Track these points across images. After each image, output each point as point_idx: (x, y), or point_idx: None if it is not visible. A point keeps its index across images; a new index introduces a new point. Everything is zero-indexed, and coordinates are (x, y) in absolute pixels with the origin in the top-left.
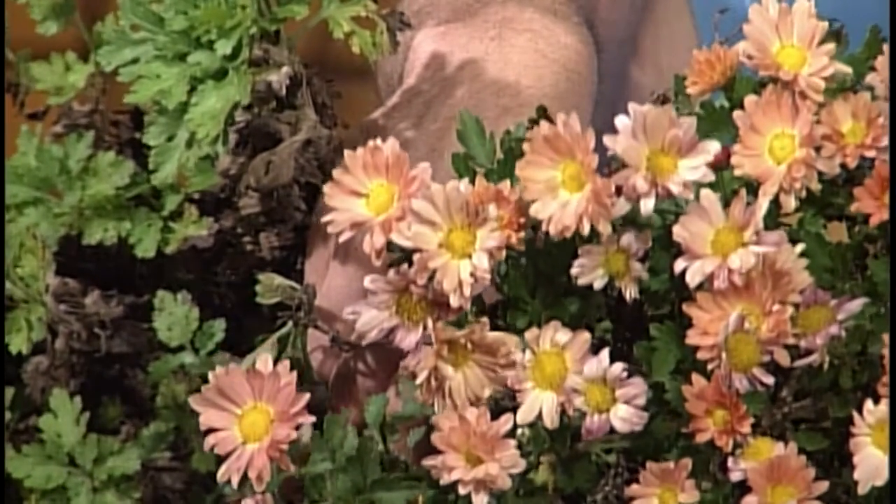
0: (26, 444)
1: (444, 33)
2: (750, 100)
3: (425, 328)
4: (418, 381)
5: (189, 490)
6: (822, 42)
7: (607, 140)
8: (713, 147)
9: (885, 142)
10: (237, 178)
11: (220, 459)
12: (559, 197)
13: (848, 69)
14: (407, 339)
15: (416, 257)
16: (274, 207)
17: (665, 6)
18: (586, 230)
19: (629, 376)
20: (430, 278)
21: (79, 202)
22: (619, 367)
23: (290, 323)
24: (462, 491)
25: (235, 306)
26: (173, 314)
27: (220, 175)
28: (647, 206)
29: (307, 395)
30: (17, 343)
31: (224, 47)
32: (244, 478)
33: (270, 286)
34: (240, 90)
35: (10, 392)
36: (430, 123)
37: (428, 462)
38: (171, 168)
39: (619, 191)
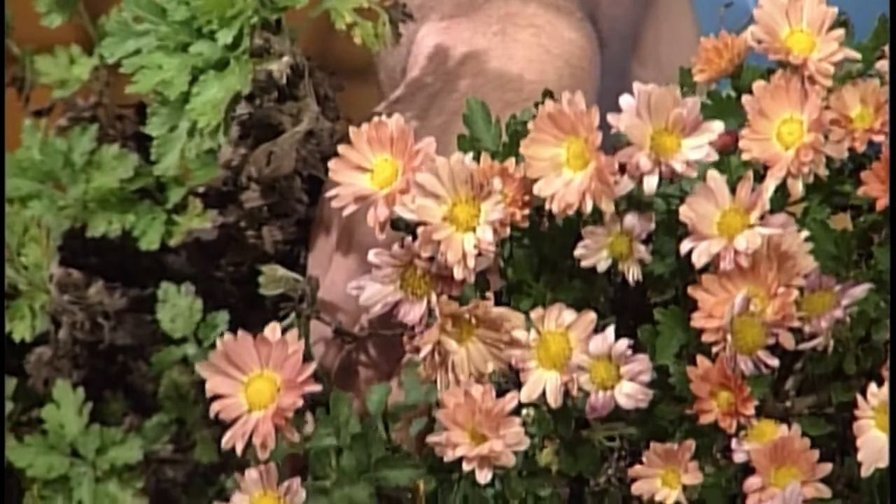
0: (29, 435)
1: (447, 28)
2: (759, 84)
3: (429, 302)
4: (421, 355)
5: (191, 482)
6: (831, 28)
7: (611, 118)
8: (717, 127)
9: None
10: (239, 170)
11: (225, 427)
12: (563, 174)
13: (857, 54)
14: (411, 313)
15: (420, 230)
16: (277, 201)
17: (666, 3)
18: (589, 208)
19: (634, 353)
20: (435, 252)
21: (83, 195)
22: (624, 343)
23: (293, 315)
24: (466, 467)
25: (238, 300)
26: (177, 306)
27: (222, 166)
28: (651, 184)
29: (313, 363)
30: (21, 330)
31: (225, 37)
32: (248, 445)
33: (273, 278)
34: (241, 80)
35: (13, 383)
36: (434, 117)
37: (432, 439)
38: (174, 158)
39: (622, 169)
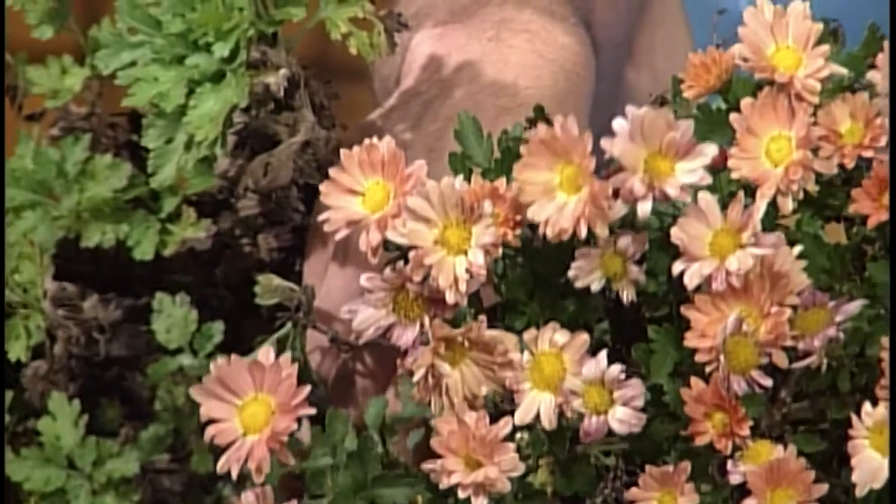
0: (25, 448)
1: (441, 34)
2: (746, 102)
3: (422, 326)
4: (415, 379)
5: (188, 492)
6: (817, 43)
7: (604, 143)
8: (710, 150)
9: (884, 142)
10: (236, 180)
11: (220, 453)
12: (556, 199)
13: (843, 71)
14: (404, 336)
15: (411, 254)
16: (272, 209)
17: (660, 10)
18: (583, 233)
19: (627, 378)
20: (427, 275)
21: (76, 205)
22: (617, 368)
23: (289, 324)
24: (462, 494)
25: (234, 308)
26: (172, 316)
27: (219, 177)
28: (645, 209)
29: (308, 387)
30: (16, 351)
31: (221, 50)
32: (243, 469)
33: (269, 287)
34: (238, 92)
35: (9, 396)
36: (428, 124)
37: (427, 466)
38: (170, 170)
39: (616, 193)
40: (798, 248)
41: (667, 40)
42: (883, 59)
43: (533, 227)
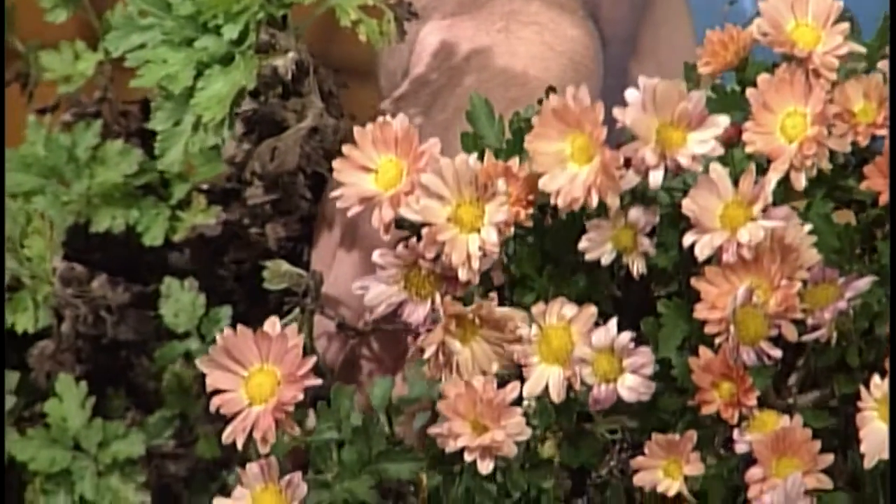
0: (31, 429)
1: (450, 25)
2: (763, 78)
3: (433, 303)
4: (426, 356)
5: (193, 477)
6: (836, 22)
7: (617, 112)
8: (723, 121)
9: None
10: (243, 166)
11: (227, 421)
12: (568, 169)
13: (862, 49)
14: (415, 313)
15: (424, 231)
16: (280, 197)
17: (664, 7)
18: (594, 202)
19: (636, 346)
20: (439, 253)
21: (87, 190)
22: (626, 336)
23: (297, 310)
24: (468, 458)
25: (241, 295)
26: (180, 301)
27: (226, 162)
28: (656, 178)
29: (314, 358)
30: (23, 322)
31: (231, 32)
32: (249, 440)
33: (278, 272)
34: (246, 75)
35: (15, 377)
36: (437, 114)
37: (434, 430)
38: (177, 153)
39: (627, 163)
40: (808, 227)
41: (671, 37)
42: None
43: (542, 207)
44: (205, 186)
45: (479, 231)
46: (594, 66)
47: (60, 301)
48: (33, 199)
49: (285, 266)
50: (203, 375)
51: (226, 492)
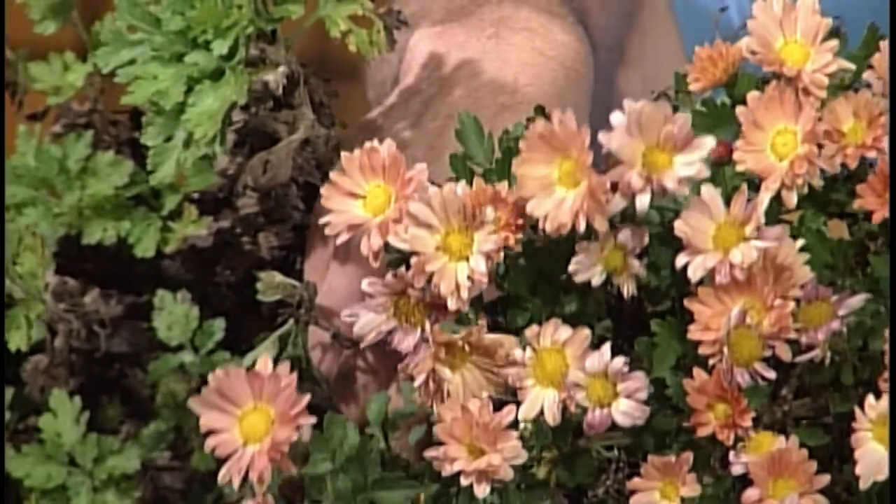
0: (26, 444)
1: (440, 33)
2: (753, 95)
3: (423, 330)
4: (416, 384)
5: (189, 489)
6: (825, 39)
7: (602, 137)
8: (708, 143)
9: (886, 142)
10: (235, 178)
11: (221, 461)
12: (555, 194)
13: (851, 66)
14: (405, 341)
15: (413, 260)
16: (272, 207)
17: (651, 16)
18: (582, 227)
19: (630, 370)
20: (428, 281)
21: (78, 202)
22: (620, 360)
23: (291, 321)
24: (464, 482)
25: (235, 306)
26: (173, 313)
27: (219, 175)
28: (643, 202)
29: (307, 396)
30: (17, 340)
31: (220, 47)
32: (245, 479)
33: (271, 283)
34: (237, 90)
35: (9, 392)
36: (428, 122)
37: (430, 454)
38: (169, 168)
39: (614, 187)
40: (800, 242)
41: (657, 45)
42: (880, 59)
43: (534, 225)
44: (195, 196)
45: (467, 259)
46: (585, 70)
47: (53, 316)
48: (24, 211)
49: (279, 277)
50: (197, 388)
51: (222, 503)
